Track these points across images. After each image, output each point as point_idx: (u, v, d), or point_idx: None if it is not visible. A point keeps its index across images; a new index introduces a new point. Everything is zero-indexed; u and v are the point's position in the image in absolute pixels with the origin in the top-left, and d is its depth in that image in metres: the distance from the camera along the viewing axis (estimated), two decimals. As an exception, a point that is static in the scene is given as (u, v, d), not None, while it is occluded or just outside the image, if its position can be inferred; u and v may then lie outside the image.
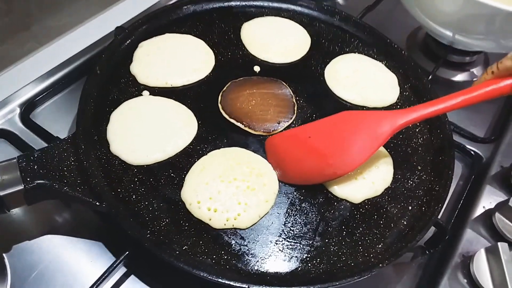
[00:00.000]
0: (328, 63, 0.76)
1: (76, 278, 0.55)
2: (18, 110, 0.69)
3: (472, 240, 0.65)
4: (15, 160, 0.52)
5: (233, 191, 0.57)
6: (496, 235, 0.64)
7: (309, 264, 0.54)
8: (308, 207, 0.59)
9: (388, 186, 0.62)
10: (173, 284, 0.56)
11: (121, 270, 0.56)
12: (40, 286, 0.54)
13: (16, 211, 0.59)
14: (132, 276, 0.56)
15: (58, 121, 0.69)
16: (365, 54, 0.79)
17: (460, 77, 0.89)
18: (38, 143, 0.65)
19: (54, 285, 0.54)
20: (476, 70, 0.90)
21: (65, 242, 0.58)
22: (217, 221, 0.55)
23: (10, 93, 0.70)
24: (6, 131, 0.66)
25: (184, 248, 0.53)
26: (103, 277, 0.52)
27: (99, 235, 0.59)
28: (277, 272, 0.53)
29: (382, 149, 0.65)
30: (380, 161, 0.63)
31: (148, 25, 0.74)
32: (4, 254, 0.55)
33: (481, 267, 0.60)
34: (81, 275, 0.55)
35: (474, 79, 0.88)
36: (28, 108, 0.69)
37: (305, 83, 0.72)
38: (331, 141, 0.59)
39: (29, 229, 0.59)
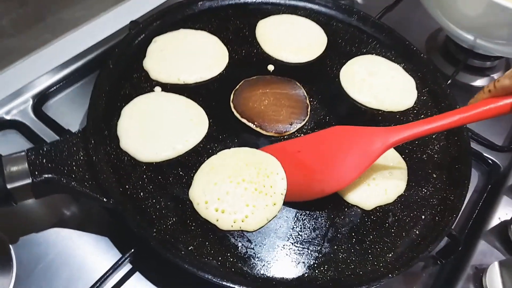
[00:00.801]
0: (344, 64, 0.74)
1: (81, 272, 0.55)
2: (30, 102, 0.68)
3: (486, 252, 0.63)
4: (24, 153, 0.52)
5: (241, 193, 0.56)
6: (511, 248, 0.62)
7: (317, 271, 0.53)
8: (318, 212, 0.58)
9: (401, 194, 0.61)
10: (178, 283, 0.55)
11: (127, 267, 0.56)
12: (45, 279, 0.54)
13: (24, 203, 0.58)
14: (137, 273, 0.56)
15: (70, 114, 0.69)
16: (382, 56, 0.77)
17: (480, 82, 0.86)
18: (49, 135, 0.65)
19: (59, 278, 0.54)
20: (496, 76, 0.87)
21: (72, 236, 0.58)
22: (224, 223, 0.54)
23: (23, 84, 0.70)
24: (18, 122, 0.66)
25: (189, 248, 0.52)
26: (108, 273, 0.51)
27: (106, 230, 0.58)
28: (283, 278, 0.52)
29: (396, 155, 0.63)
30: (394, 168, 0.62)
31: (162, 20, 0.73)
32: (10, 245, 0.55)
33: (494, 281, 0.58)
34: (86, 270, 0.55)
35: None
36: (40, 99, 0.69)
37: (319, 84, 0.71)
38: (321, 157, 0.58)
39: (36, 221, 0.58)
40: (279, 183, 0.58)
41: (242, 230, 0.55)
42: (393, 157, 0.63)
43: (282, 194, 0.57)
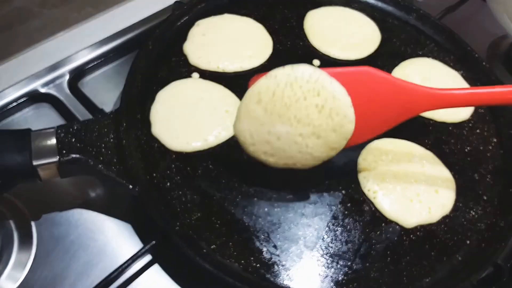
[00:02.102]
0: (397, 65, 0.69)
1: (100, 258, 0.53)
2: (67, 76, 0.68)
3: (533, 285, 0.57)
4: (53, 129, 0.50)
5: (295, 140, 0.49)
6: (562, 285, 0.56)
7: (345, 288, 0.49)
8: (352, 224, 0.54)
9: (446, 214, 0.55)
10: (197, 281, 0.52)
11: (147, 258, 0.54)
12: (63, 260, 0.53)
13: (50, 180, 0.58)
14: (156, 265, 0.54)
15: (105, 92, 0.68)
16: (440, 61, 0.71)
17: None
18: (82, 113, 0.64)
19: (77, 261, 0.53)
20: None
21: (95, 219, 0.56)
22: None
23: (62, 58, 0.69)
24: (52, 96, 0.66)
25: (212, 247, 0.50)
26: (126, 264, 0.50)
27: (130, 217, 0.57)
28: (307, 291, 0.49)
29: (445, 171, 0.58)
30: (441, 185, 0.57)
31: (207, 3, 0.70)
32: (32, 222, 0.55)
33: (540, 320, 0.52)
34: (106, 256, 0.54)
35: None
36: (77, 75, 0.68)
37: (367, 85, 0.66)
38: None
39: (61, 200, 0.57)
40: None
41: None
42: (441, 174, 0.58)
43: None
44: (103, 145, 0.52)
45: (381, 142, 0.60)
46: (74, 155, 0.49)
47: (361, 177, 0.56)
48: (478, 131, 0.64)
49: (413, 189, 0.55)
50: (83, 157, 0.50)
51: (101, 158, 0.51)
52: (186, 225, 0.51)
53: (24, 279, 0.51)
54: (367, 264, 0.51)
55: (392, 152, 0.58)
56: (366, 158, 0.58)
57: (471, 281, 0.50)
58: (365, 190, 0.56)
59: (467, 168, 0.60)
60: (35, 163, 0.48)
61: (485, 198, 0.58)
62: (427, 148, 0.60)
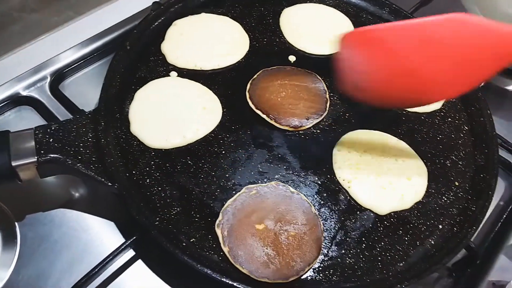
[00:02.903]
0: (370, 59, 0.70)
1: (84, 255, 0.54)
2: (48, 79, 0.68)
3: (506, 268, 0.59)
4: (31, 130, 0.51)
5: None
6: (535, 266, 0.59)
7: (321, 274, 0.51)
8: (328, 213, 0.55)
9: (419, 200, 0.57)
10: (179, 275, 0.54)
11: (129, 254, 0.55)
12: (47, 258, 0.54)
13: (32, 181, 0.58)
14: (140, 261, 0.55)
15: (86, 94, 0.68)
16: (412, 53, 0.73)
17: (515, 86, 0.81)
18: (64, 115, 0.65)
19: (61, 259, 0.54)
20: (536, 82, 0.82)
21: (78, 218, 0.57)
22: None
23: (42, 61, 0.69)
24: (34, 99, 0.66)
25: (191, 240, 0.51)
26: (108, 259, 0.51)
27: (113, 215, 0.58)
28: (285, 279, 0.50)
29: (418, 160, 0.60)
30: (414, 172, 0.58)
31: (184, 3, 0.71)
32: (16, 223, 0.55)
33: (513, 300, 0.54)
34: (89, 253, 0.55)
35: (533, 91, 0.80)
36: (58, 78, 0.69)
37: (342, 78, 0.68)
38: (431, 55, 0.45)
39: (43, 201, 0.58)
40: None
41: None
42: (413, 162, 0.60)
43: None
44: (81, 144, 0.53)
45: (355, 134, 0.61)
46: (52, 155, 0.50)
47: (336, 167, 0.58)
48: (449, 119, 0.66)
49: (386, 178, 0.57)
50: (61, 157, 0.51)
51: (80, 157, 0.52)
52: (165, 219, 0.52)
53: (8, 279, 0.52)
54: (343, 251, 0.53)
55: (366, 142, 0.60)
56: (340, 150, 0.59)
57: (443, 264, 0.52)
58: (340, 180, 0.57)
59: (439, 156, 0.62)
60: (14, 163, 0.48)
61: (456, 183, 0.60)
62: (400, 138, 0.62)
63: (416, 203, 0.57)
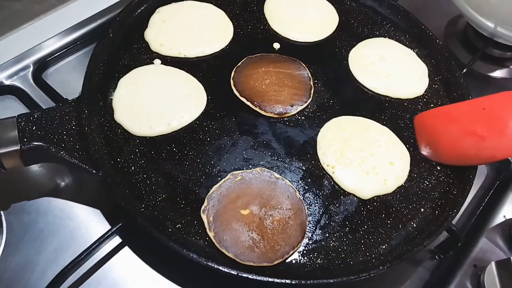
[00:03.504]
0: (354, 46, 0.71)
1: (70, 243, 0.55)
2: (31, 68, 0.68)
3: (487, 250, 0.61)
4: (14, 118, 0.51)
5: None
6: (514, 247, 0.60)
7: (305, 257, 0.51)
8: (312, 198, 0.56)
9: (402, 185, 0.58)
10: (166, 261, 0.54)
11: (116, 241, 0.55)
12: (34, 247, 0.54)
13: (18, 170, 0.58)
14: (126, 248, 0.55)
15: (70, 83, 0.68)
16: (396, 40, 0.73)
17: (498, 73, 0.82)
18: (47, 103, 0.64)
19: (47, 247, 0.54)
20: (517, 67, 0.83)
21: (64, 206, 0.57)
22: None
23: (26, 50, 0.69)
24: (17, 88, 0.66)
25: (177, 226, 0.51)
26: (94, 245, 0.51)
27: (99, 203, 0.58)
28: (270, 262, 0.51)
29: (400, 145, 0.61)
30: (396, 157, 0.59)
31: (168, -10, 0.71)
32: (1, 212, 0.55)
33: (492, 280, 0.55)
34: (75, 241, 0.55)
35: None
36: (41, 66, 0.69)
37: (326, 65, 0.68)
38: (490, 122, 0.56)
39: (29, 189, 0.58)
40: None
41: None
42: (396, 147, 0.60)
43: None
44: (65, 132, 0.53)
45: (339, 120, 0.62)
46: (35, 143, 0.50)
47: (320, 153, 0.59)
48: (432, 105, 0.67)
49: (369, 163, 0.58)
50: (44, 145, 0.51)
51: (63, 145, 0.52)
52: (151, 206, 0.52)
53: (-5, 267, 0.52)
54: (327, 234, 0.53)
55: (349, 128, 0.61)
56: (324, 136, 0.60)
57: (425, 246, 0.53)
58: (325, 166, 0.58)
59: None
60: (-3, 151, 0.48)
61: (438, 168, 0.61)
62: (383, 124, 0.63)
63: (398, 187, 0.58)
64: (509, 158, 0.69)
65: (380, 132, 0.61)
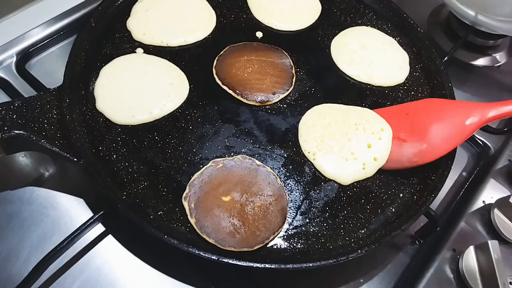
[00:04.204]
0: (337, 34, 0.71)
1: (54, 232, 0.55)
2: (14, 58, 0.68)
3: (466, 234, 0.62)
4: (-6, 107, 0.51)
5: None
6: (492, 232, 0.61)
7: (286, 242, 0.52)
8: (293, 184, 0.57)
9: (381, 170, 0.59)
10: (149, 249, 0.55)
11: (100, 229, 0.56)
12: (17, 235, 0.54)
13: (0, 160, 0.58)
14: (110, 236, 0.56)
15: (53, 73, 0.68)
16: (378, 28, 0.74)
17: (480, 61, 0.83)
18: (30, 93, 0.64)
19: (31, 236, 0.54)
20: (499, 56, 0.84)
21: (47, 195, 0.58)
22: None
23: (8, 40, 0.68)
24: (0, 78, 0.66)
25: (159, 213, 0.52)
26: (76, 233, 0.51)
27: (82, 192, 0.58)
28: (251, 247, 0.52)
29: (381, 121, 0.61)
30: (374, 137, 0.59)
31: (151, -21, 0.71)
32: (-16, 201, 0.56)
33: (471, 264, 0.57)
34: (59, 230, 0.55)
35: (496, 64, 0.83)
36: (24, 57, 0.68)
37: (308, 54, 0.69)
38: (412, 128, 0.58)
39: (12, 179, 0.58)
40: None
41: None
42: (375, 124, 0.61)
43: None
44: (45, 121, 0.53)
45: (321, 107, 0.63)
46: (16, 131, 0.50)
47: (302, 140, 0.59)
48: (412, 93, 0.68)
49: (348, 148, 0.58)
50: (25, 133, 0.51)
51: (44, 134, 0.52)
52: (133, 194, 0.53)
53: (-21, 256, 0.52)
54: (307, 220, 0.54)
55: (330, 115, 0.61)
56: (306, 123, 0.61)
57: (403, 230, 0.54)
58: (306, 153, 0.59)
59: (401, 127, 0.63)
60: (-23, 140, 0.49)
61: (417, 154, 0.61)
62: (364, 110, 0.63)
63: (378, 173, 0.59)
64: (489, 143, 0.71)
65: (359, 115, 0.62)
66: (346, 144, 0.58)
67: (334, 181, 0.57)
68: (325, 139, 0.59)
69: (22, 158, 0.60)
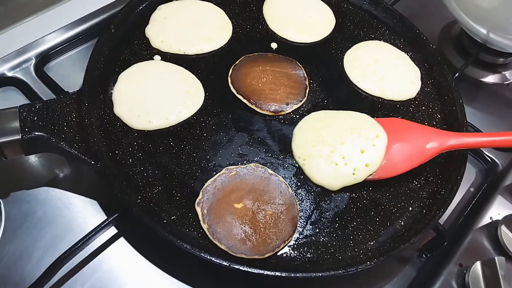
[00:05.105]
0: (350, 48, 0.73)
1: (67, 232, 0.56)
2: (33, 61, 0.69)
3: (473, 250, 0.62)
4: (16, 109, 0.52)
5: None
6: (499, 248, 0.62)
7: (296, 251, 0.53)
8: (304, 194, 0.57)
9: (392, 183, 0.59)
10: (161, 253, 0.55)
11: (112, 231, 0.56)
12: (31, 235, 0.55)
13: (17, 160, 0.60)
14: (122, 238, 0.57)
15: (71, 76, 0.69)
16: (390, 43, 0.75)
17: (491, 78, 0.84)
18: (48, 96, 0.66)
19: (44, 236, 0.55)
20: (509, 74, 0.85)
21: (62, 196, 0.59)
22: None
23: (28, 43, 0.70)
24: (19, 80, 0.67)
25: (172, 218, 0.53)
26: (90, 235, 0.52)
27: (96, 194, 0.59)
28: (261, 255, 0.52)
29: (375, 126, 0.62)
30: (368, 143, 0.59)
31: (169, -12, 0.72)
32: (1, 200, 0.57)
33: (477, 280, 0.57)
34: (72, 231, 0.56)
35: (506, 82, 0.84)
36: (43, 59, 0.70)
37: (321, 66, 0.70)
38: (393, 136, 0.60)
39: (28, 179, 0.60)
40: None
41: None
42: (370, 130, 0.61)
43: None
44: (65, 123, 0.54)
45: (317, 113, 0.64)
46: (36, 133, 0.52)
47: (294, 146, 0.60)
48: (423, 108, 0.69)
49: (339, 153, 0.58)
50: (45, 135, 0.52)
51: (63, 136, 0.53)
52: (147, 198, 0.54)
53: (-7, 253, 0.53)
54: (317, 230, 0.55)
55: (326, 120, 0.62)
56: (300, 128, 0.61)
57: (411, 243, 0.54)
58: (296, 158, 0.59)
59: (411, 142, 0.64)
60: (-2, 140, 0.50)
61: (427, 168, 0.62)
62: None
63: (387, 186, 0.59)
64: (497, 160, 0.72)
65: (356, 120, 0.62)
66: (337, 148, 0.58)
67: (344, 192, 0.58)
68: (316, 144, 0.59)
69: (38, 159, 0.61)
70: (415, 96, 0.69)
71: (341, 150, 0.59)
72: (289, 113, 0.64)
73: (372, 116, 0.65)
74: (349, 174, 0.58)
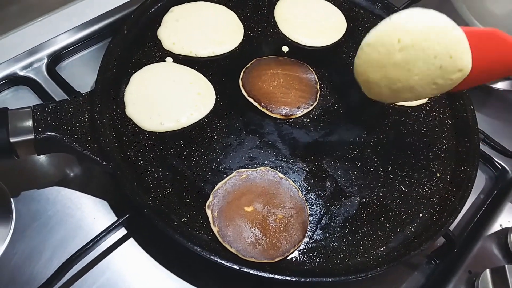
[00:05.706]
0: (361, 52, 0.72)
1: (77, 232, 0.56)
2: (45, 60, 0.69)
3: (483, 257, 0.62)
4: (29, 108, 0.52)
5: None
6: (508, 255, 0.61)
7: (305, 256, 0.53)
8: (314, 198, 0.57)
9: (401, 189, 0.59)
10: (170, 254, 0.56)
11: (122, 232, 0.57)
12: (41, 234, 0.55)
13: (29, 159, 0.60)
14: (131, 239, 0.57)
15: (83, 76, 0.69)
16: (401, 48, 0.75)
17: (500, 85, 0.83)
18: (59, 95, 0.66)
19: (54, 235, 0.55)
20: (519, 80, 0.84)
21: (72, 196, 0.59)
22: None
23: (40, 42, 0.70)
24: (31, 79, 0.67)
25: (183, 220, 0.53)
26: (101, 236, 0.52)
27: (106, 195, 0.59)
28: (271, 259, 0.52)
29: None
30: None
31: (182, -10, 0.72)
32: (12, 198, 0.57)
33: (486, 287, 0.57)
34: (82, 231, 0.56)
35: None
36: (55, 59, 0.70)
37: (332, 70, 0.70)
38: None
39: (39, 178, 0.60)
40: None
41: None
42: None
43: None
44: (78, 124, 0.54)
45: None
46: (49, 133, 0.52)
47: None
48: (434, 114, 0.68)
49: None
50: (58, 135, 0.52)
51: (76, 137, 0.53)
52: (158, 199, 0.54)
53: (3, 252, 0.53)
54: (327, 235, 0.55)
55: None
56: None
57: (422, 250, 0.54)
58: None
59: (422, 148, 0.64)
60: (12, 140, 0.50)
61: (438, 175, 0.62)
62: (386, 130, 0.65)
63: (398, 192, 0.59)
64: (507, 168, 0.71)
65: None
66: None
67: (355, 197, 0.58)
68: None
69: (49, 159, 0.62)
70: (426, 102, 0.69)
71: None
72: (300, 117, 0.64)
73: (383, 121, 0.65)
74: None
